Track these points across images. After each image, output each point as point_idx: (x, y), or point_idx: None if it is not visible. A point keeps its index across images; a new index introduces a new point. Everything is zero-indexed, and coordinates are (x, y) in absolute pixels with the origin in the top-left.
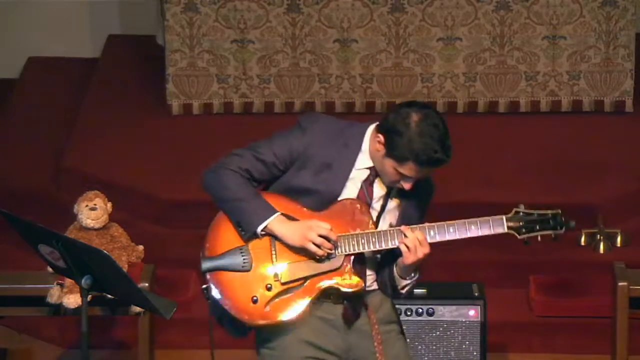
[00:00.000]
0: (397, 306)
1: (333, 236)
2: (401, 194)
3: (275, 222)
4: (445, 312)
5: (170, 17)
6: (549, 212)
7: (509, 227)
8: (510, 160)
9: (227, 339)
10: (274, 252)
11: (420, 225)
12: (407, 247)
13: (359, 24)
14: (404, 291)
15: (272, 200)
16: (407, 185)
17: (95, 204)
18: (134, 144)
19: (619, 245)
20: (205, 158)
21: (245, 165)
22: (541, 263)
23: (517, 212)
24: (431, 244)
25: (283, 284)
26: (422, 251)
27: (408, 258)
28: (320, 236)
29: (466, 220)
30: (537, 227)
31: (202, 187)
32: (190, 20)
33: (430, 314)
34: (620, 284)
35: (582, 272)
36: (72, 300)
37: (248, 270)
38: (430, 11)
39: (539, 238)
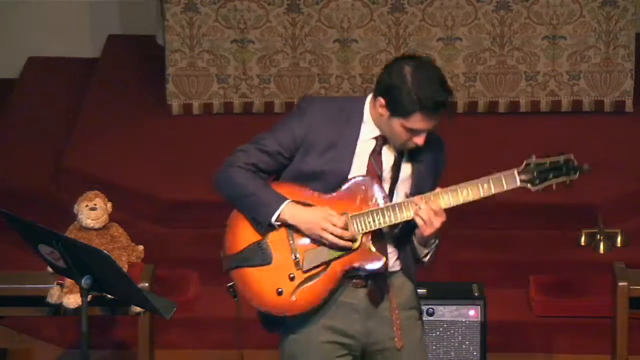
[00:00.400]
0: None
1: (345, 233)
2: (412, 159)
3: (287, 210)
4: (445, 312)
5: (170, 17)
6: (561, 157)
7: (521, 180)
8: (511, 160)
9: (227, 339)
10: (291, 242)
11: (434, 192)
12: (422, 219)
13: (359, 24)
14: (426, 259)
15: (283, 189)
16: (420, 140)
17: (95, 204)
18: (134, 144)
19: (619, 245)
20: (205, 158)
21: (251, 160)
22: (541, 263)
23: (528, 164)
24: (447, 210)
25: (305, 271)
26: (439, 220)
27: (425, 230)
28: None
29: (478, 180)
30: (551, 176)
31: (214, 188)
32: (190, 20)
33: (430, 314)
34: (620, 284)
35: (582, 272)
36: (72, 300)
37: (269, 263)
38: (430, 11)
39: (554, 187)
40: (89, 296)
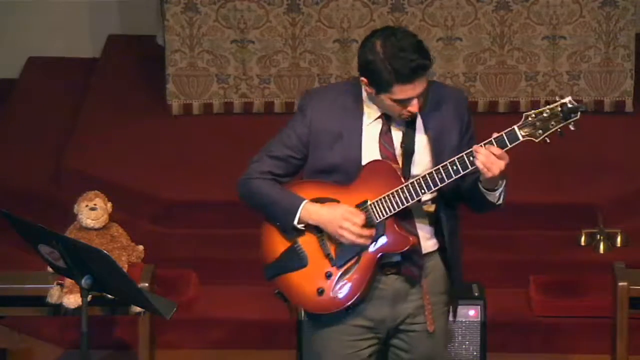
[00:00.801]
0: None
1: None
2: (426, 126)
3: (305, 212)
4: None
5: (170, 17)
6: (557, 103)
7: (523, 135)
8: (510, 160)
9: (227, 339)
10: (321, 240)
11: (454, 158)
12: (482, 163)
13: (359, 24)
14: (500, 202)
15: (303, 187)
16: (413, 109)
17: (95, 204)
18: (134, 144)
19: (619, 245)
20: (205, 158)
21: (265, 168)
22: (541, 263)
23: (527, 117)
24: None
25: (339, 267)
26: (502, 162)
27: (487, 173)
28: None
29: (483, 143)
30: (553, 123)
31: (241, 202)
32: (190, 20)
33: None
34: (620, 284)
35: (582, 272)
36: (72, 300)
37: (306, 266)
38: (430, 11)
39: (560, 132)
40: (89, 296)
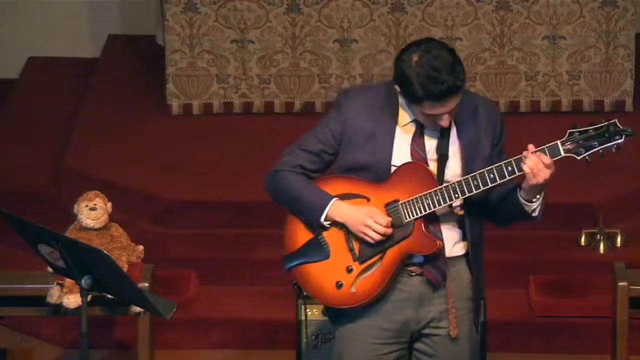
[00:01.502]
0: None
1: (388, 231)
2: (460, 134)
3: (334, 210)
4: None
5: (170, 17)
6: (604, 123)
7: (565, 150)
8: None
9: (227, 339)
10: (346, 234)
11: (492, 167)
12: (530, 168)
13: (359, 24)
14: (536, 214)
15: (333, 183)
16: (444, 123)
17: (95, 204)
18: (134, 144)
19: (619, 245)
20: (205, 158)
21: (297, 162)
22: (541, 263)
23: (571, 134)
24: None
25: (362, 262)
26: (548, 172)
27: (532, 179)
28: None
29: (523, 154)
30: (596, 143)
31: (268, 194)
32: (190, 20)
33: None
34: (620, 284)
35: (582, 272)
36: (72, 300)
37: (328, 258)
38: (430, 11)
39: (602, 153)
40: (89, 296)
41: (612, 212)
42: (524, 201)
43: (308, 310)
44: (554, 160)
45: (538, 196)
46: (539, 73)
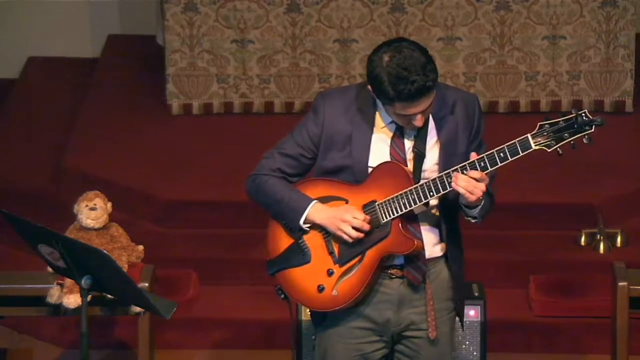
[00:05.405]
0: None
1: (365, 226)
2: (437, 128)
3: (313, 212)
4: None
5: (170, 17)
6: (573, 114)
7: (536, 144)
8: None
9: (227, 339)
10: (325, 238)
11: (465, 164)
12: (463, 188)
13: (359, 24)
14: (476, 221)
15: (312, 186)
16: (417, 123)
17: (95, 204)
18: (134, 144)
19: (619, 245)
20: (205, 158)
21: (276, 165)
22: (541, 263)
23: (541, 126)
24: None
25: (342, 265)
26: (482, 186)
27: (469, 197)
28: (354, 227)
29: (494, 150)
30: (566, 135)
31: (249, 198)
32: (190, 20)
33: None
34: (620, 284)
35: (582, 272)
36: (72, 300)
37: (309, 262)
38: (430, 11)
39: (574, 145)
40: (89, 296)
41: (612, 212)
42: (465, 209)
43: (308, 310)
44: (525, 154)
45: (478, 205)
46: (539, 73)
